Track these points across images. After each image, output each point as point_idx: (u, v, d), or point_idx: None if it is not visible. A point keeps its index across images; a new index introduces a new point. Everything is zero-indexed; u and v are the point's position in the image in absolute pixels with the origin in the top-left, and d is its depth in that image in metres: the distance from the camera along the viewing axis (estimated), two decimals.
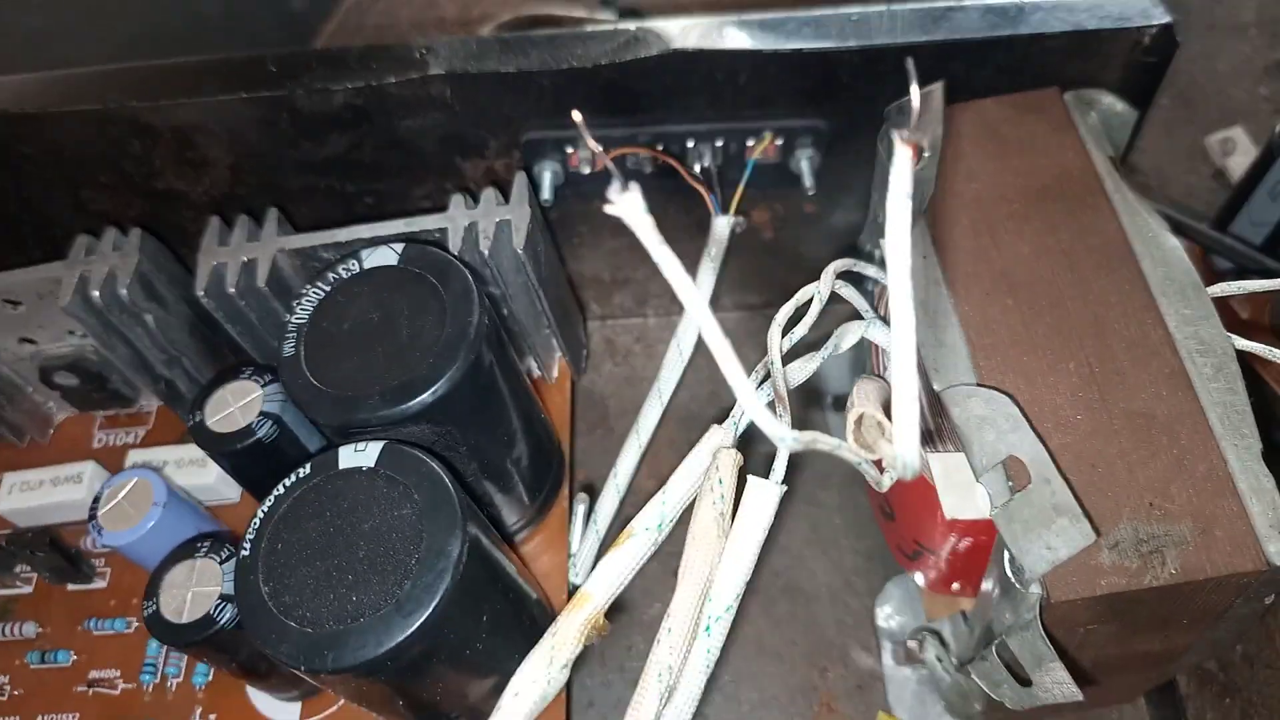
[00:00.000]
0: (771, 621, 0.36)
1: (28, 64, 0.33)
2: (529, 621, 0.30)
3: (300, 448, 0.32)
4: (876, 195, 0.34)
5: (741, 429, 0.28)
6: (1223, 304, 0.26)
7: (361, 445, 0.27)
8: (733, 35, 0.31)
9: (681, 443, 0.37)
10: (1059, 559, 0.22)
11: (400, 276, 0.30)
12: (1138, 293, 0.26)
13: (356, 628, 0.24)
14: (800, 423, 0.38)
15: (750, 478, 0.26)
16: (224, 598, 0.29)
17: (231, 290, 0.32)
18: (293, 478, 0.27)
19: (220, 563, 0.29)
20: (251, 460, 0.31)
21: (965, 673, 0.29)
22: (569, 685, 0.28)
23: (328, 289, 0.30)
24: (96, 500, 0.32)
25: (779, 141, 0.34)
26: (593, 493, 0.36)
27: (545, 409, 0.35)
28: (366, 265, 0.30)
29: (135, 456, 0.36)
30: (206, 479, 0.35)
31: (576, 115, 0.22)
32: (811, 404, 0.40)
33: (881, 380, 0.27)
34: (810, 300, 0.28)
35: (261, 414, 0.31)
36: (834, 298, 0.29)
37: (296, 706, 0.33)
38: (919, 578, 0.33)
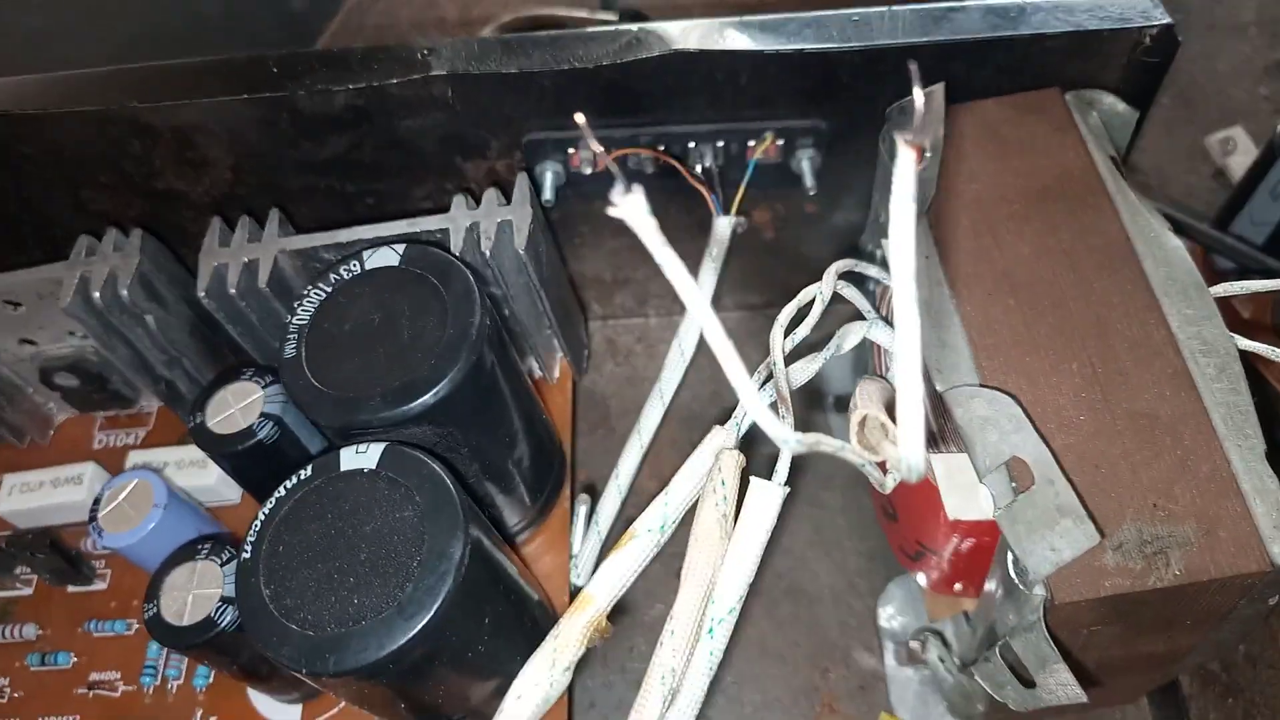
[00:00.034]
0: (774, 623, 0.36)
1: (28, 64, 0.33)
2: (531, 623, 0.30)
3: (301, 449, 0.32)
4: (878, 195, 0.34)
5: (744, 430, 0.28)
6: (1225, 304, 0.26)
7: (363, 447, 0.27)
8: (734, 36, 0.31)
9: (683, 443, 0.37)
10: (1063, 560, 0.22)
11: (401, 277, 0.30)
12: (1140, 293, 0.26)
13: (358, 630, 0.24)
14: (802, 423, 0.37)
15: (753, 479, 0.26)
16: (225, 600, 0.29)
17: (232, 291, 0.32)
18: (294, 479, 0.27)
19: (221, 565, 0.29)
20: (252, 462, 0.31)
21: (968, 674, 0.29)
22: (571, 687, 0.28)
23: (329, 290, 0.30)
24: (97, 502, 0.32)
25: (780, 142, 0.33)
26: (594, 493, 0.36)
27: (547, 409, 0.35)
28: (368, 266, 0.30)
29: (136, 458, 0.36)
30: (207, 480, 0.35)
31: (580, 117, 0.22)
32: (813, 404, 0.40)
33: (884, 381, 0.27)
34: (812, 301, 0.28)
35: (262, 415, 0.31)
36: (836, 298, 0.29)
37: (297, 709, 0.32)
38: (921, 578, 0.33)
